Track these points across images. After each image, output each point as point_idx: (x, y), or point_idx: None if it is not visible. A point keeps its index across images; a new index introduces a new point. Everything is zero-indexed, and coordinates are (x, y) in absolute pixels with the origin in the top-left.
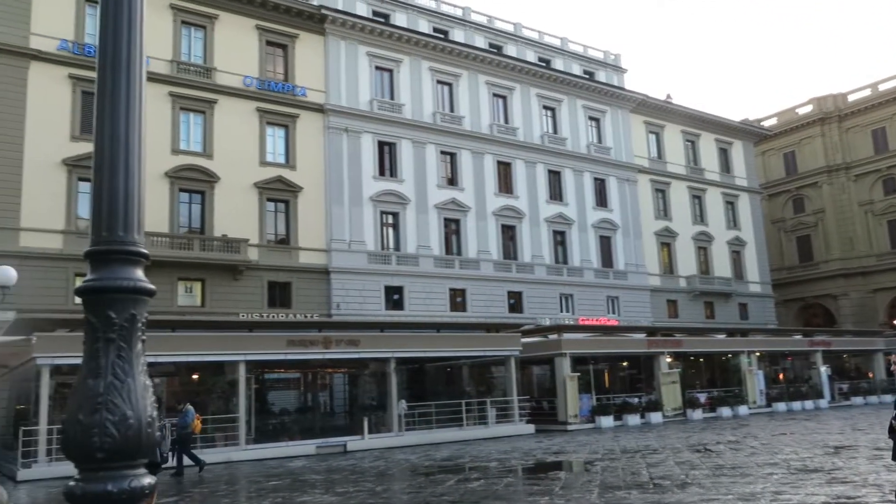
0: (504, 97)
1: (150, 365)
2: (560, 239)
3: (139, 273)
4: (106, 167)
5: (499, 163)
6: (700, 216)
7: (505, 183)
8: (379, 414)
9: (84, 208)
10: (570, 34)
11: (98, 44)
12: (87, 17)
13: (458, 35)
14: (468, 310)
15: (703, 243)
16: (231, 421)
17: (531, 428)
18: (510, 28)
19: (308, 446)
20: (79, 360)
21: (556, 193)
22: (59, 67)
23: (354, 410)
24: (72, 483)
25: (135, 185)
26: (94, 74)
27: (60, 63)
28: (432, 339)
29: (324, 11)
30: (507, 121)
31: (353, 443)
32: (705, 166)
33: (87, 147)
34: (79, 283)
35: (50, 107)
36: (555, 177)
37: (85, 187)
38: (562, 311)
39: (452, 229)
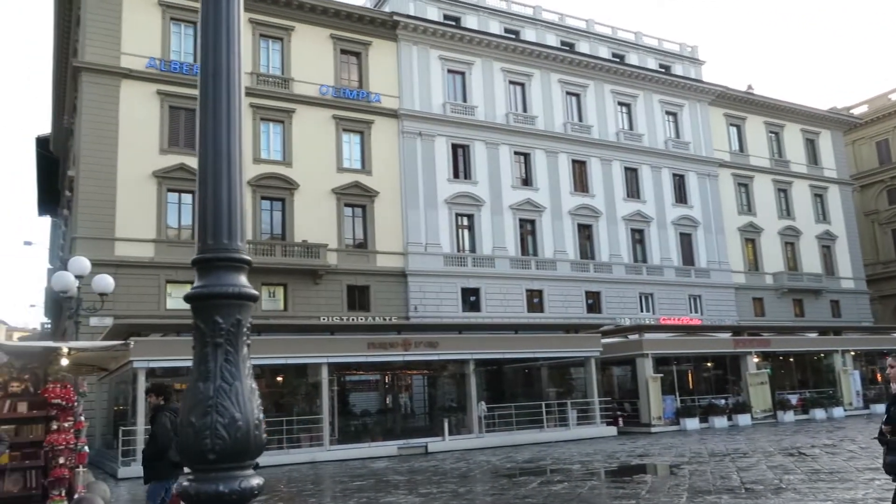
0: (577, 95)
1: None
2: (638, 237)
3: (243, 279)
4: (210, 178)
5: (573, 161)
6: (786, 210)
7: (580, 181)
8: (459, 415)
9: (173, 218)
10: (644, 28)
11: (199, 59)
12: (172, 36)
13: (529, 34)
14: (545, 310)
15: (790, 238)
16: (315, 422)
17: (613, 430)
18: (582, 25)
19: (390, 447)
20: (171, 363)
21: (633, 191)
22: (148, 84)
23: (434, 412)
24: (185, 483)
25: (237, 194)
26: (179, 90)
27: (149, 80)
28: (510, 340)
29: (395, 18)
30: (581, 119)
31: (434, 444)
32: (791, 158)
33: (174, 159)
34: (170, 290)
35: (140, 122)
36: (631, 174)
37: (174, 198)
38: (642, 311)
39: (528, 230)
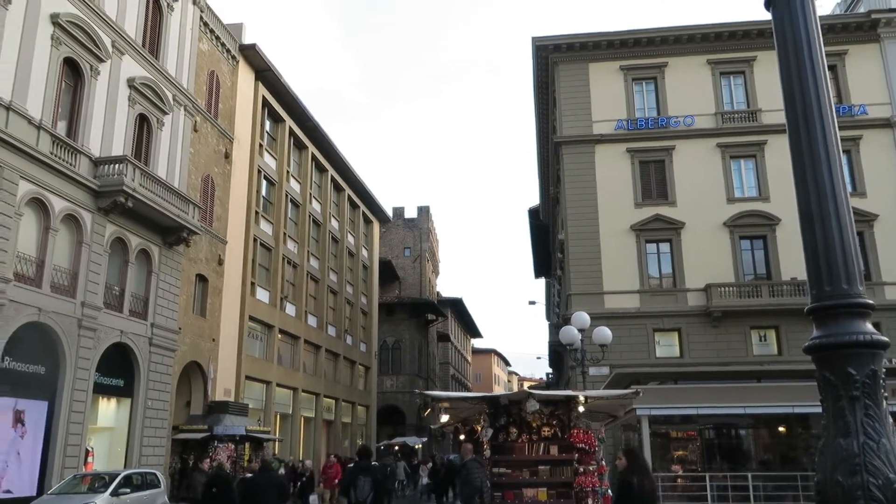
0: None
1: (735, 416)
2: None
3: (869, 326)
4: (817, 221)
5: None
6: None
7: None
8: None
9: (653, 268)
10: None
11: (784, 103)
12: (634, 95)
13: None
14: None
15: None
16: None
17: None
18: None
19: None
20: (670, 412)
21: None
22: (617, 145)
23: None
24: None
25: (849, 236)
26: (646, 144)
27: (618, 141)
28: None
29: (874, 17)
30: None
31: None
32: None
33: (649, 211)
34: (658, 338)
35: (614, 181)
36: None
37: (652, 248)
38: None
39: None
